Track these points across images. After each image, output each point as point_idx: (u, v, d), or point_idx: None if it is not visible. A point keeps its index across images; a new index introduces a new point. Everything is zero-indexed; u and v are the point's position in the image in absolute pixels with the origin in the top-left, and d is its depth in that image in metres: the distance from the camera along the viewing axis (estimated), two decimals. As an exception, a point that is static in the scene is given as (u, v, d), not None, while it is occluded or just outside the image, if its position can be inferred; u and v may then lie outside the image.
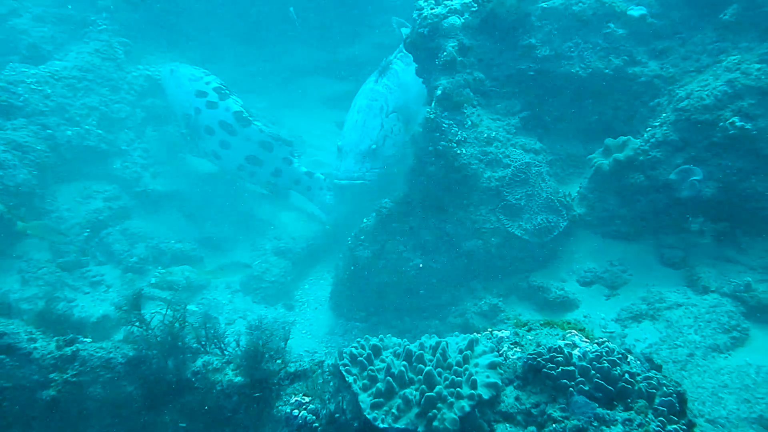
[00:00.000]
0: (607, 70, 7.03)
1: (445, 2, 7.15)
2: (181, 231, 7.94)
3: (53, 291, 6.71)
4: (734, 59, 6.27)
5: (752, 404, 4.89)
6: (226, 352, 4.41)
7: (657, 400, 3.14)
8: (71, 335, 4.33)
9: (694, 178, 6.14)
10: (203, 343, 4.39)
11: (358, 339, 3.86)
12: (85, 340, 4.33)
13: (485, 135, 6.75)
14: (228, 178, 8.57)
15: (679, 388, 3.19)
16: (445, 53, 6.94)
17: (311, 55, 11.93)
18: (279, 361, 4.07)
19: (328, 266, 8.18)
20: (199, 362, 4.29)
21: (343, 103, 10.55)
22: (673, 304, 5.88)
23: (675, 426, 3.02)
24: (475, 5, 7.07)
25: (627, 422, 3.05)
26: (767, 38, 6.40)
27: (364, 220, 6.79)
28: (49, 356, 4.22)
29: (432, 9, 7.09)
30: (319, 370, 3.98)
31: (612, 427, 3.06)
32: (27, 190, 7.36)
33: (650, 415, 3.07)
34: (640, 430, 3.00)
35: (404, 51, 9.68)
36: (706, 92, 6.20)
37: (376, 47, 12.25)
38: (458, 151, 6.47)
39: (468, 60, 7.15)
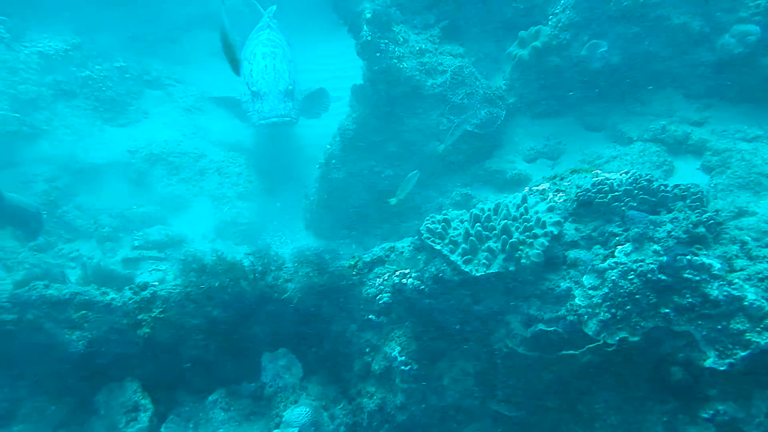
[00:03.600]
0: (501, -30, 7.78)
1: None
2: (133, 198, 7.89)
3: (42, 272, 6.55)
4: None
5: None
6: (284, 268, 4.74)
7: (688, 200, 4.03)
8: (141, 282, 4.54)
9: (602, 50, 7.17)
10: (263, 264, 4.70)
11: (426, 217, 4.40)
12: (155, 283, 4.54)
13: (417, 48, 7.34)
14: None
15: (700, 188, 4.09)
16: (361, -24, 7.40)
17: (185, 6, 11.68)
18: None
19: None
20: (269, 278, 4.61)
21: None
22: (609, 157, 6.94)
23: (708, 214, 3.92)
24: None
25: (674, 220, 3.90)
26: None
27: (328, 146, 7.20)
28: (131, 302, 4.43)
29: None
30: (393, 254, 4.51)
31: (664, 225, 3.90)
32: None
33: (688, 211, 3.95)
34: (685, 222, 3.86)
35: (269, 16, 9.89)
36: (595, -28, 7.16)
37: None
38: (401, 66, 7.02)
39: (382, -19, 7.65)
